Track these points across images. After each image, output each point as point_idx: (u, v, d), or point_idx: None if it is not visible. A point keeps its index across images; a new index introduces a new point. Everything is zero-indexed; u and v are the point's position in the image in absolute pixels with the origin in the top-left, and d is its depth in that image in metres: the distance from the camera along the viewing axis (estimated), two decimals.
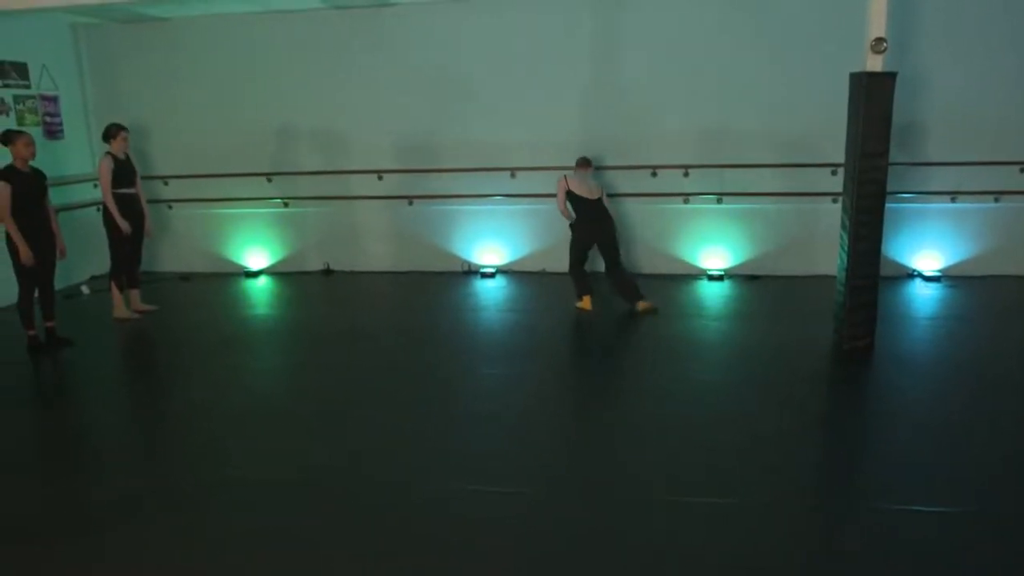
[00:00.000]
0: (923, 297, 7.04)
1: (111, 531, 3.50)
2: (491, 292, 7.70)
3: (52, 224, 6.05)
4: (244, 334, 6.70)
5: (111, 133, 6.70)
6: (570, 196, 6.75)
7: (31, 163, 5.89)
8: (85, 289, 8.06)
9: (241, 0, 7.58)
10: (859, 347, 5.54)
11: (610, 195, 7.18)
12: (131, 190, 6.80)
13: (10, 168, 5.77)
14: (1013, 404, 4.62)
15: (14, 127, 7.05)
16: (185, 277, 8.61)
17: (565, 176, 6.80)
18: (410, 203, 8.34)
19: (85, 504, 3.77)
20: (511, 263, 8.39)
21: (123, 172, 6.72)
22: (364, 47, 8.11)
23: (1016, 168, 7.22)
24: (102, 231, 6.80)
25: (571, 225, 6.86)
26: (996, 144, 7.23)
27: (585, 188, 6.77)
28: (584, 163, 6.91)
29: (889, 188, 5.48)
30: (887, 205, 5.46)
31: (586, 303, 6.79)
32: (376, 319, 7.01)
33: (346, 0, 7.78)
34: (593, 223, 6.75)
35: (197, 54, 8.41)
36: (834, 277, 5.89)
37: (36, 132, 7.49)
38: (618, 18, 7.67)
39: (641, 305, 6.63)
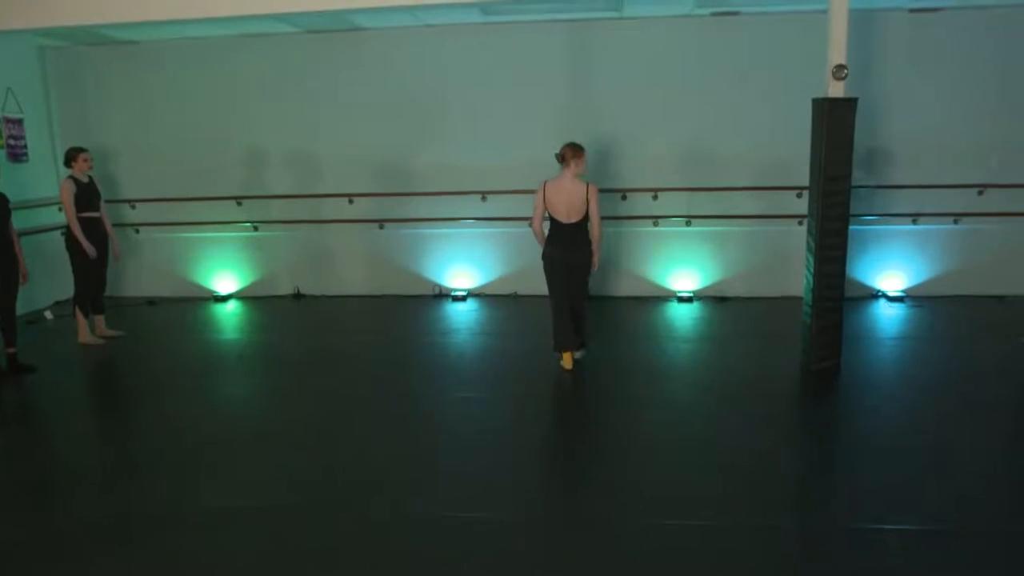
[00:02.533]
0: (887, 317, 7.17)
1: (88, 559, 3.44)
2: (463, 316, 7.69)
3: (15, 248, 5.95)
4: (213, 359, 6.61)
5: (71, 156, 6.65)
6: (549, 212, 5.54)
7: None
8: (48, 315, 7.91)
9: (212, 23, 7.54)
10: (826, 368, 5.62)
11: None
12: (95, 213, 6.72)
13: None
14: (977, 423, 4.71)
15: None
16: (152, 302, 8.49)
17: (544, 182, 5.57)
18: (381, 227, 8.33)
19: (57, 533, 3.69)
20: (483, 286, 8.40)
21: (86, 195, 6.64)
22: (335, 71, 8.13)
23: (974, 191, 7.42)
24: (66, 255, 6.71)
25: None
26: (955, 167, 7.43)
27: (563, 199, 5.42)
28: (571, 153, 5.42)
29: (853, 211, 5.61)
30: (851, 227, 5.58)
31: (567, 360, 5.70)
32: (347, 343, 6.97)
33: (317, 24, 7.80)
34: (562, 249, 5.52)
35: (167, 77, 8.36)
36: (800, 298, 5.98)
37: None
38: (589, 43, 7.79)
39: (568, 356, 5.72)
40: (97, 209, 6.76)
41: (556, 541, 3.53)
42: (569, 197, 5.43)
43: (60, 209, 6.98)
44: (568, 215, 5.47)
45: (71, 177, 6.61)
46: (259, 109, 8.28)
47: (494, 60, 7.91)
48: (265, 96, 8.26)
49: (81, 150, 6.68)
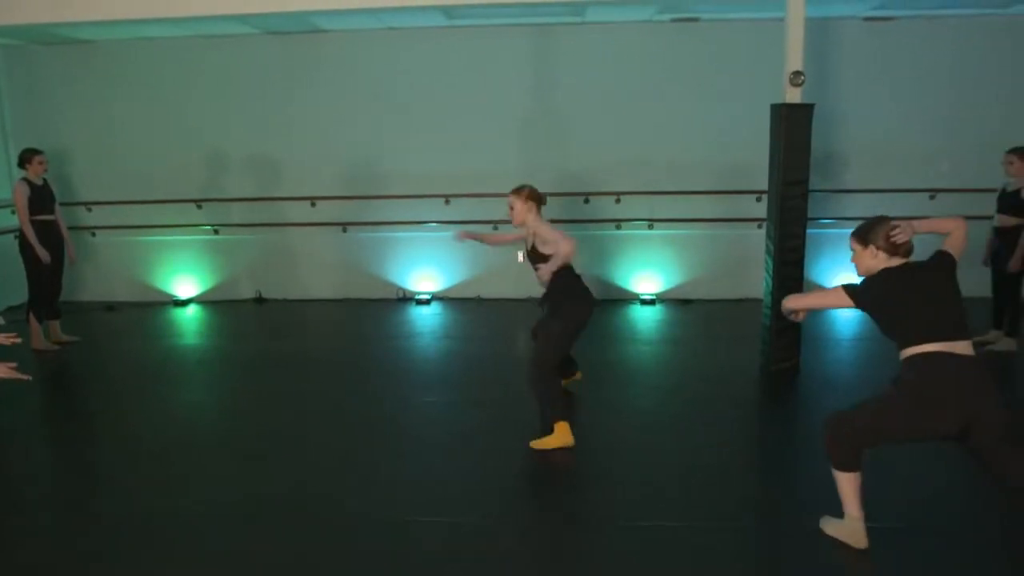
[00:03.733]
0: (845, 319, 7.31)
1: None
2: (427, 319, 7.67)
3: None
4: (173, 365, 6.51)
5: (26, 158, 6.50)
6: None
7: None
8: (0, 320, 7.72)
9: (170, 23, 7.43)
10: (785, 368, 5.72)
11: (555, 221, 5.55)
12: (50, 216, 6.58)
13: None
14: None
15: None
16: (110, 307, 8.33)
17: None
18: (344, 230, 8.28)
19: (17, 545, 3.61)
20: (446, 289, 8.40)
21: (40, 198, 6.50)
22: (298, 73, 8.07)
23: (926, 195, 7.61)
24: (19, 259, 6.55)
25: (560, 306, 4.64)
26: (909, 172, 7.62)
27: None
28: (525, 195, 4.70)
29: (811, 214, 5.72)
30: (809, 231, 5.68)
31: (561, 436, 4.44)
32: (310, 347, 6.91)
33: (279, 26, 7.74)
34: (588, 299, 4.68)
35: (124, 78, 8.22)
36: (761, 300, 6.07)
37: None
38: (553, 48, 7.83)
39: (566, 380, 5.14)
40: (52, 212, 6.62)
41: (529, 542, 3.55)
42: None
43: (13, 212, 6.82)
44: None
45: (25, 179, 6.46)
46: (219, 111, 8.18)
47: (458, 64, 7.91)
48: (225, 98, 8.16)
49: (36, 152, 6.53)
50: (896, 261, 3.27)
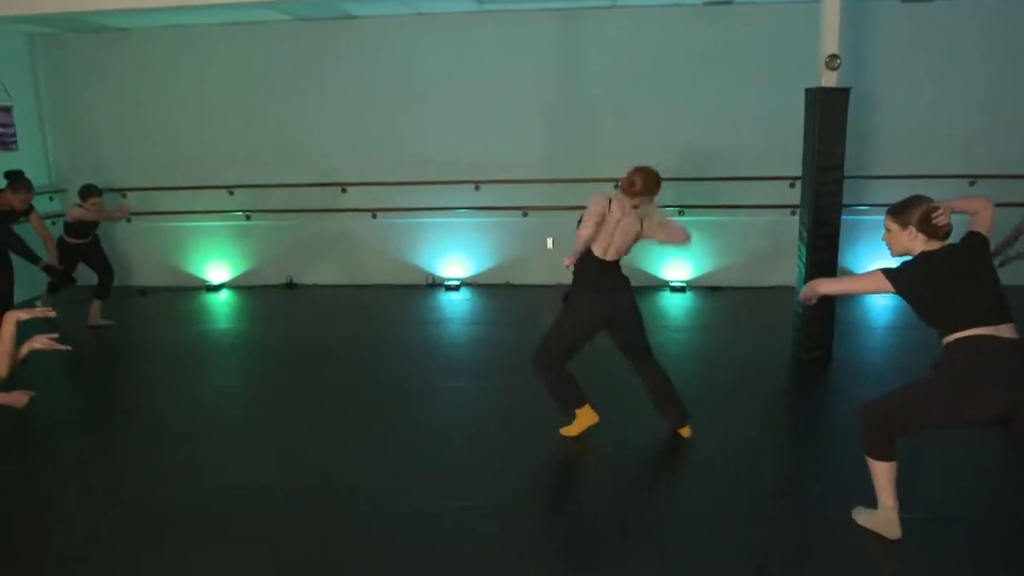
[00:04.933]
0: (879, 308, 7.20)
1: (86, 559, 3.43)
2: (455, 305, 7.69)
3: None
4: (203, 350, 6.60)
5: (85, 196, 6.83)
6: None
7: None
8: (39, 303, 7.87)
9: (203, 11, 7.49)
10: (817, 357, 5.64)
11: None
12: (82, 240, 6.94)
13: None
14: None
15: None
16: (142, 291, 8.46)
17: (610, 199, 4.07)
18: (374, 216, 8.31)
19: (41, 526, 3.68)
20: (475, 276, 8.40)
21: (85, 227, 6.90)
22: (328, 60, 8.09)
23: (965, 181, 7.44)
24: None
25: (566, 293, 4.24)
26: (947, 157, 7.46)
27: (619, 231, 4.08)
28: (639, 183, 4.07)
29: (845, 201, 5.62)
30: (844, 217, 5.59)
31: (584, 419, 4.38)
32: (340, 333, 6.96)
33: (309, 13, 7.76)
34: (601, 295, 4.15)
35: (158, 65, 8.31)
36: (793, 288, 6.00)
37: None
38: (581, 33, 7.77)
39: (684, 431, 4.39)
40: (86, 237, 6.96)
41: (551, 530, 3.55)
42: (624, 226, 4.08)
43: (51, 198, 6.99)
44: (615, 249, 4.13)
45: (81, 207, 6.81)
46: (250, 97, 8.24)
47: (487, 49, 7.88)
48: (256, 84, 8.21)
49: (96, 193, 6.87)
50: (935, 244, 3.15)
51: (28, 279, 6.87)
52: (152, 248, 8.70)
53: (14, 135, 8.11)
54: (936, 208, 3.12)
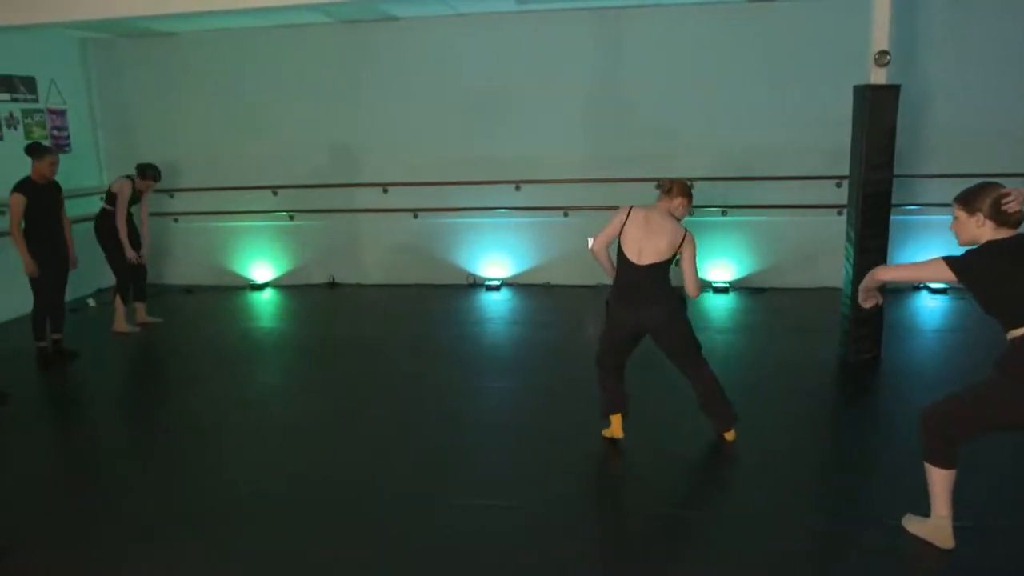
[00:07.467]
0: (929, 309, 7.03)
1: (127, 550, 3.51)
2: (496, 305, 7.70)
3: (66, 235, 6.07)
4: (246, 348, 6.70)
5: (143, 174, 6.88)
6: (620, 243, 4.13)
7: None
8: (91, 302, 8.08)
9: (248, 15, 7.61)
10: (866, 360, 5.52)
11: (613, 207, 4.40)
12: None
13: (27, 180, 5.78)
14: None
15: (26, 141, 7.07)
16: (189, 290, 8.62)
17: (631, 207, 4.18)
18: (415, 216, 8.36)
19: (100, 519, 3.77)
20: (516, 276, 8.40)
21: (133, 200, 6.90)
22: (370, 61, 8.16)
23: (1020, 180, 7.21)
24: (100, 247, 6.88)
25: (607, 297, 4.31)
26: (1000, 156, 7.23)
27: (648, 236, 4.07)
28: (675, 190, 4.23)
29: (894, 200, 5.49)
30: (892, 217, 5.46)
31: (615, 428, 4.37)
32: (381, 332, 7.01)
33: (351, 14, 7.83)
34: (623, 307, 4.16)
35: (204, 68, 8.47)
36: (840, 290, 5.88)
37: None
38: (622, 32, 7.71)
39: (729, 435, 4.32)
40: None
41: (586, 529, 3.53)
42: (651, 230, 4.08)
43: (102, 199, 7.11)
44: (640, 253, 4.07)
45: (130, 178, 6.83)
46: (293, 99, 8.34)
47: (528, 49, 7.87)
48: (300, 86, 8.32)
49: (153, 174, 6.93)
50: (1004, 232, 2.97)
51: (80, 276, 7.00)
52: (198, 247, 8.87)
53: (68, 138, 8.34)
54: (1008, 194, 2.93)
